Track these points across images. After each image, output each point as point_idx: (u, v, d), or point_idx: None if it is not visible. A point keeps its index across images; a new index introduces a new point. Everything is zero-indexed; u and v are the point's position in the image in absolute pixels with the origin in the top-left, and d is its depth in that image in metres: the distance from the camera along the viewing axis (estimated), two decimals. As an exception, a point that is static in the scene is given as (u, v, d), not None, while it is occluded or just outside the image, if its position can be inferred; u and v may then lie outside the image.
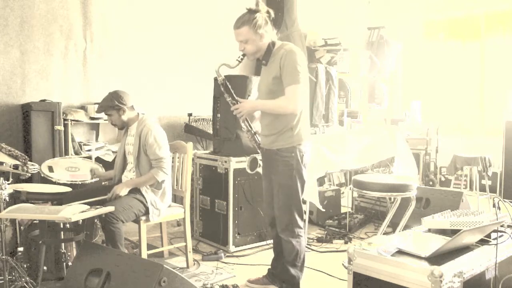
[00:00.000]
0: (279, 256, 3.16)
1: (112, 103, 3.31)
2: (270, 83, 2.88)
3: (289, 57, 2.81)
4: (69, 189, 3.27)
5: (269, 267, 3.27)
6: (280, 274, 3.09)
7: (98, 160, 4.28)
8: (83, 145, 4.42)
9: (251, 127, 3.04)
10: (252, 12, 2.86)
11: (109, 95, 3.36)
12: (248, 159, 3.20)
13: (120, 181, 3.42)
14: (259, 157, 3.68)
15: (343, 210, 5.09)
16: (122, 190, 3.18)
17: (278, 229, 3.01)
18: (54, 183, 3.46)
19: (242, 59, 2.93)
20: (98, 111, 3.44)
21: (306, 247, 3.92)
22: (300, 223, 2.96)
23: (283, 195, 2.93)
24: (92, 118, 4.45)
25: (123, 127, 3.45)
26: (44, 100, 4.14)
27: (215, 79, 4.18)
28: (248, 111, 2.94)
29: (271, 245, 3.97)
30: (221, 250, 3.89)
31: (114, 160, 3.77)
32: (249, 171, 3.19)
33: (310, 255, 3.88)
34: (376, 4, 7.50)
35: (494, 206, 2.37)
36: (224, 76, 4.06)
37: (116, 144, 4.49)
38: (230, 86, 2.98)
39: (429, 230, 2.53)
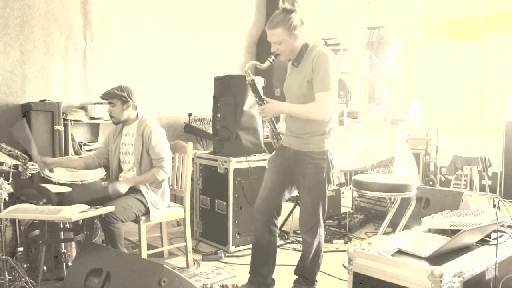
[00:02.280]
0: (266, 262, 3.07)
1: (121, 94, 3.28)
2: (304, 87, 2.79)
3: (321, 61, 2.71)
4: (69, 189, 3.27)
5: (255, 273, 3.09)
6: (299, 270, 3.08)
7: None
8: (83, 145, 4.42)
9: (276, 128, 2.98)
10: (287, 12, 2.73)
11: (119, 86, 3.33)
12: (271, 157, 3.16)
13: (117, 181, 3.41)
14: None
15: (343, 210, 5.09)
16: (122, 187, 3.17)
17: (301, 230, 2.98)
18: (54, 183, 3.46)
19: (274, 60, 2.82)
20: (103, 97, 3.35)
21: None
22: (322, 222, 2.96)
23: (311, 197, 2.88)
24: (92, 118, 4.45)
25: (120, 122, 3.40)
26: (44, 100, 4.15)
27: (215, 79, 4.20)
28: (275, 113, 2.87)
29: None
30: (221, 250, 3.89)
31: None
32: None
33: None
34: (376, 4, 7.50)
35: (494, 206, 2.38)
36: (225, 76, 4.10)
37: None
38: (258, 87, 2.90)
39: (429, 230, 2.53)
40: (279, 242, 3.50)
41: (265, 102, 2.85)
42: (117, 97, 3.29)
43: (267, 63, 2.82)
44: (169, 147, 3.42)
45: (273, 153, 3.10)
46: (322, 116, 2.75)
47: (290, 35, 2.74)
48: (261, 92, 2.91)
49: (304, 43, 2.82)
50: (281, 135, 2.99)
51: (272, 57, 2.81)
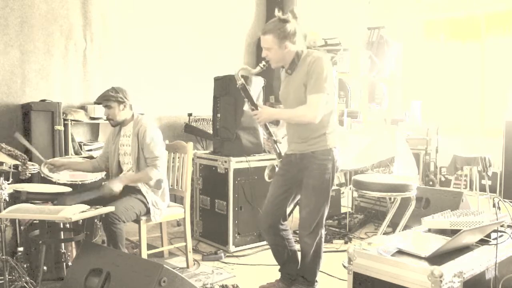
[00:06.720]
0: (288, 262, 3.11)
1: (116, 95, 3.26)
2: (302, 92, 2.79)
3: (316, 65, 2.74)
4: (69, 189, 3.27)
5: (282, 271, 3.17)
6: (300, 271, 3.07)
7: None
8: (83, 145, 4.42)
9: (271, 134, 2.99)
10: (281, 21, 2.76)
11: (112, 88, 3.31)
12: (268, 167, 3.11)
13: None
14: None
15: (343, 210, 5.09)
16: (115, 185, 3.13)
17: (303, 232, 2.95)
18: (54, 183, 3.46)
19: (265, 65, 2.84)
20: (98, 100, 3.32)
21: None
22: (323, 223, 2.96)
23: (315, 197, 2.89)
24: (92, 118, 4.45)
25: (118, 124, 3.39)
26: (44, 100, 4.15)
27: (215, 79, 4.20)
28: (266, 118, 2.89)
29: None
30: (221, 250, 3.89)
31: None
32: (267, 179, 3.13)
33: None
34: (376, 4, 7.49)
35: (494, 206, 2.38)
36: (225, 76, 4.10)
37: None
38: (250, 92, 2.92)
39: (429, 230, 2.54)
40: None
41: (258, 108, 2.89)
42: (113, 98, 3.27)
43: (258, 69, 2.86)
44: (164, 146, 3.41)
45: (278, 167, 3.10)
46: (312, 118, 2.75)
47: (279, 43, 2.76)
48: (253, 96, 2.94)
49: (298, 51, 2.83)
50: (277, 143, 3.01)
51: (263, 62, 2.85)
